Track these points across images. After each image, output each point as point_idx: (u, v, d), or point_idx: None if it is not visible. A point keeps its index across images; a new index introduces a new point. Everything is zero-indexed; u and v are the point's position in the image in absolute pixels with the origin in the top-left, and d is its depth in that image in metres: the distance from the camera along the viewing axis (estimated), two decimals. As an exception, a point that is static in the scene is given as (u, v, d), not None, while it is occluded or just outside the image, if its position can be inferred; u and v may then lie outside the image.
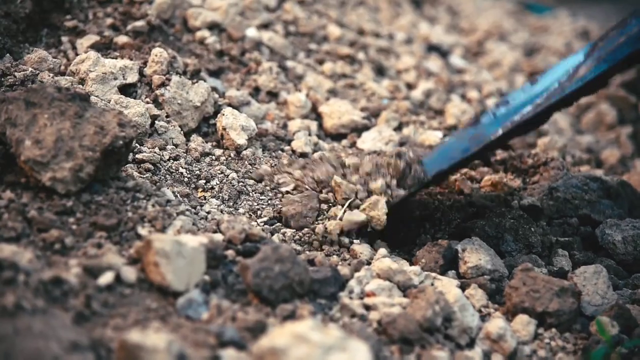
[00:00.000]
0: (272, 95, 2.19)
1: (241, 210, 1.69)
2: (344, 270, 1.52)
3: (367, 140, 2.12)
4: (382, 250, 1.60)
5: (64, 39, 2.03)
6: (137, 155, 1.68)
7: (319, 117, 2.19)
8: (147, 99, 1.87)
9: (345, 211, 1.70)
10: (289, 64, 2.33)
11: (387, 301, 1.45)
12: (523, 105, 1.83)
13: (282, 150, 1.99)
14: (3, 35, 1.91)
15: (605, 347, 1.45)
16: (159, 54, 1.94)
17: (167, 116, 1.87)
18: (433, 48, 3.05)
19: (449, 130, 2.37)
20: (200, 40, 2.22)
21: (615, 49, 1.74)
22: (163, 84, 1.91)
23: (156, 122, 1.83)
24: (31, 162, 1.41)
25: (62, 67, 1.89)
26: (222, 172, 1.79)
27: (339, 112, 2.18)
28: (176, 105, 1.89)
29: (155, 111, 1.84)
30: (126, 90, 1.88)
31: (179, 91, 1.90)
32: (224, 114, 1.91)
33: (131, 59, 1.96)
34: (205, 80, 2.04)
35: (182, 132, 1.87)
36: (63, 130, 1.44)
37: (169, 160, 1.75)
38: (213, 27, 2.28)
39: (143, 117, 1.78)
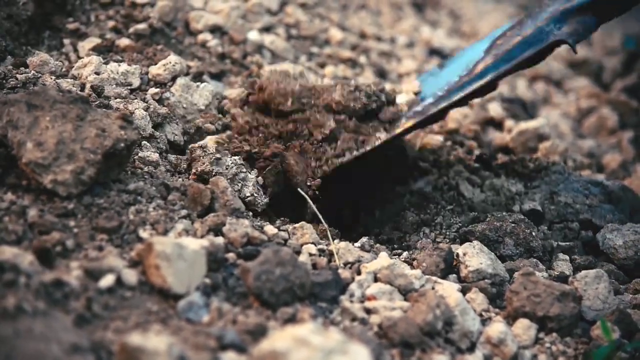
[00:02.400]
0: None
1: None
2: (344, 273, 1.52)
3: None
4: (383, 254, 1.60)
5: (66, 41, 2.03)
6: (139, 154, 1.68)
7: None
8: (151, 102, 1.88)
9: None
10: (291, 67, 2.33)
11: (387, 305, 1.44)
12: (428, 92, 1.91)
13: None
14: (5, 38, 1.91)
15: (608, 347, 1.45)
16: (172, 60, 1.96)
17: (172, 120, 1.87)
18: (435, 52, 3.05)
19: (450, 135, 2.37)
20: (202, 43, 2.22)
21: (511, 49, 1.79)
22: (167, 87, 1.92)
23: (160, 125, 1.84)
24: (32, 164, 1.41)
25: (64, 70, 1.89)
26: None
27: None
28: (181, 109, 1.89)
29: (159, 114, 1.84)
30: (129, 94, 1.88)
31: (184, 94, 1.91)
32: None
33: (134, 62, 1.96)
34: (208, 83, 2.05)
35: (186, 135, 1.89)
36: (65, 133, 1.44)
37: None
38: (215, 30, 2.28)
39: (144, 121, 1.78)
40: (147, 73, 1.94)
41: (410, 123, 1.85)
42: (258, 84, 1.94)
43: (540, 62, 1.89)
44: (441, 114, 1.93)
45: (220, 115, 1.97)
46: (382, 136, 1.86)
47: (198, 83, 1.96)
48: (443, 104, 1.83)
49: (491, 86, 1.90)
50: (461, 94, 1.82)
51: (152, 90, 1.90)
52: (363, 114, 1.90)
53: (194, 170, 1.72)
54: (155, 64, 1.97)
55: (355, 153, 1.83)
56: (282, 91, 1.90)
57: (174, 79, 1.95)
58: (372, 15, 3.14)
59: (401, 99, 1.96)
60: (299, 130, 1.86)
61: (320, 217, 1.73)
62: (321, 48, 2.54)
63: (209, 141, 1.84)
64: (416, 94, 2.01)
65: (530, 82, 3.17)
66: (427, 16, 3.64)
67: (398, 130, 1.86)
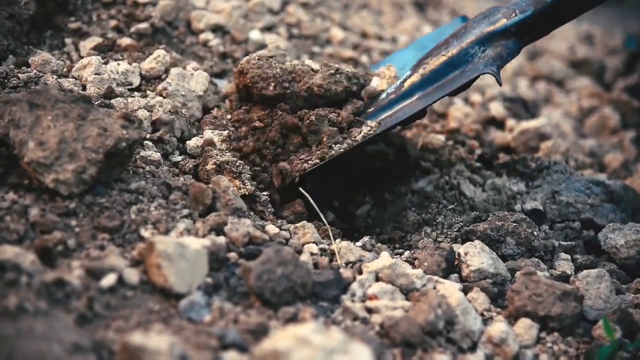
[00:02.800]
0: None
1: None
2: (346, 273, 1.52)
3: None
4: (385, 253, 1.60)
5: (68, 40, 2.03)
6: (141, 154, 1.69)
7: None
8: (151, 97, 1.88)
9: None
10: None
11: (389, 304, 1.45)
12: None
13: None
14: (7, 37, 1.91)
15: (610, 347, 1.45)
16: (161, 54, 1.96)
17: (174, 111, 1.88)
18: (436, 51, 3.05)
19: (452, 134, 2.37)
20: (204, 43, 2.23)
21: (436, 69, 1.84)
22: (162, 78, 1.93)
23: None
24: (34, 163, 1.41)
25: (66, 70, 1.89)
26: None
27: None
28: (180, 97, 1.90)
29: (160, 106, 1.85)
30: (129, 92, 1.88)
31: (180, 83, 1.91)
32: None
33: (135, 61, 1.96)
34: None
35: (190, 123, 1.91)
36: (66, 132, 1.44)
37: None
38: (217, 29, 2.28)
39: (146, 122, 1.78)
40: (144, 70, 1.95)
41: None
42: (238, 67, 1.94)
43: (464, 90, 1.93)
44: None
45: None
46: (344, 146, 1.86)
47: (192, 71, 1.97)
48: (372, 124, 1.86)
49: (421, 113, 1.91)
50: (389, 112, 1.87)
51: (151, 85, 1.91)
52: (344, 97, 1.92)
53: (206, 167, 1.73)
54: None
55: (342, 149, 1.84)
56: (263, 75, 1.90)
57: (167, 70, 1.95)
58: (374, 15, 3.14)
59: (375, 83, 1.97)
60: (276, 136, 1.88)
61: (322, 215, 1.73)
62: (323, 47, 2.54)
63: (216, 139, 1.85)
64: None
65: (532, 81, 3.17)
66: (428, 16, 3.63)
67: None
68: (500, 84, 1.77)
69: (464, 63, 1.83)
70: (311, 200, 1.76)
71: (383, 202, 2.04)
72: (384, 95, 1.92)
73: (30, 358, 1.06)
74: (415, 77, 1.87)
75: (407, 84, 1.88)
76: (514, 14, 1.80)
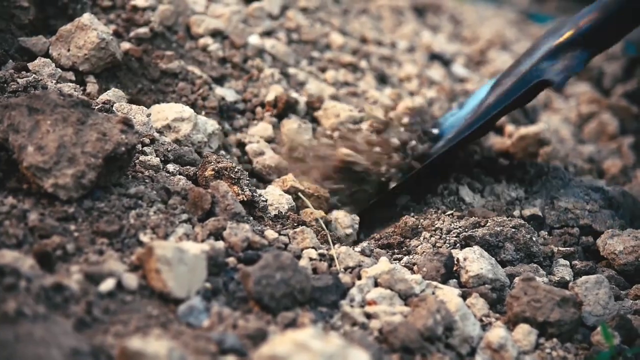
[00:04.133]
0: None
1: None
2: (345, 278, 1.52)
3: None
4: (384, 259, 1.60)
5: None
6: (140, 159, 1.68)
7: (315, 121, 2.20)
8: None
9: None
10: (291, 71, 2.33)
11: (388, 310, 1.44)
12: (448, 131, 2.03)
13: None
14: (7, 41, 1.91)
15: (608, 352, 1.45)
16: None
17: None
18: (435, 57, 3.06)
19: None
20: (203, 47, 2.23)
21: (509, 89, 1.85)
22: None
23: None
24: (33, 168, 1.41)
25: (65, 74, 1.89)
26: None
27: (335, 110, 2.19)
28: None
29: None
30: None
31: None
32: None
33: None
34: (210, 87, 2.06)
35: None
36: (65, 137, 1.44)
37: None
38: (216, 34, 2.28)
39: (146, 127, 1.78)
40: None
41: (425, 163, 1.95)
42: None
43: (530, 101, 2.02)
44: (451, 154, 2.00)
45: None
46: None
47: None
48: (449, 145, 1.92)
49: (490, 125, 1.98)
50: (464, 135, 1.92)
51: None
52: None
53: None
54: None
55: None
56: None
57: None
58: (373, 20, 3.15)
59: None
60: None
61: (323, 225, 1.75)
62: (322, 53, 2.54)
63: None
64: (433, 139, 2.07)
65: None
66: (427, 21, 3.64)
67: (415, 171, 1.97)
68: (559, 91, 1.81)
69: (536, 78, 1.85)
70: (308, 202, 1.78)
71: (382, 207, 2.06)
72: (462, 121, 1.97)
73: (29, 363, 1.06)
74: (491, 99, 1.91)
75: (483, 106, 1.92)
76: (580, 25, 1.82)
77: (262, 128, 2.09)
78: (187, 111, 1.86)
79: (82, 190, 1.44)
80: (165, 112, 1.86)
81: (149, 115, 1.81)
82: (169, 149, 1.78)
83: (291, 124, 2.08)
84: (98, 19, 2.10)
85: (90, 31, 1.88)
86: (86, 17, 1.90)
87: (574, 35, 1.82)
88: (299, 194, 1.86)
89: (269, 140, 2.07)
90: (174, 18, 2.21)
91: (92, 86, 1.88)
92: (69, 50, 1.88)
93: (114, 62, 1.95)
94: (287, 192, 1.86)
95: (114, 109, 1.76)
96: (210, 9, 2.36)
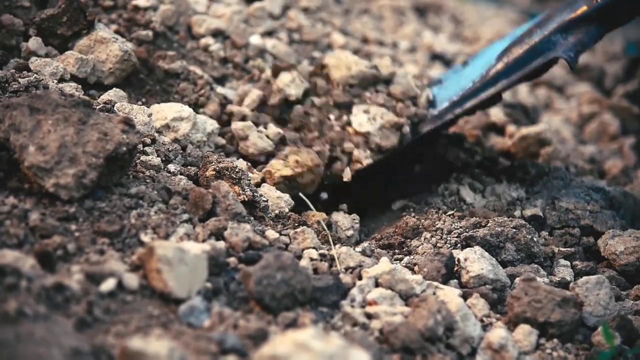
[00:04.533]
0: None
1: None
2: (345, 278, 1.52)
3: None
4: (384, 259, 1.60)
5: (69, 45, 2.03)
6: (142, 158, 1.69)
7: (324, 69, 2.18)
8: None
9: None
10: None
11: (388, 310, 1.44)
12: (451, 90, 2.00)
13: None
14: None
15: (609, 352, 1.45)
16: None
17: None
18: (437, 57, 3.05)
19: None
20: (205, 47, 2.23)
21: (519, 57, 1.85)
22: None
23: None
24: (35, 168, 1.41)
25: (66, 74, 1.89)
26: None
27: (347, 62, 2.13)
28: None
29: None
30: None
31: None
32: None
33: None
34: (212, 87, 2.07)
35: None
36: (67, 137, 1.44)
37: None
38: (217, 34, 2.28)
39: (147, 127, 1.78)
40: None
41: (428, 127, 1.94)
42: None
43: (543, 74, 1.98)
44: (455, 119, 2.00)
45: None
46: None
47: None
48: (458, 110, 1.90)
49: (497, 96, 1.96)
50: (474, 101, 1.89)
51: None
52: None
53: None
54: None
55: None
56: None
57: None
58: (374, 20, 3.15)
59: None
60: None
61: (324, 225, 1.75)
62: (323, 52, 2.54)
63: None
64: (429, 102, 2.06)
65: (532, 87, 3.17)
66: (429, 21, 3.64)
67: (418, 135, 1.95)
68: (573, 69, 1.81)
69: (547, 51, 1.85)
70: (309, 202, 1.78)
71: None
72: (470, 84, 1.94)
73: (30, 363, 1.06)
74: (500, 66, 1.90)
75: (491, 72, 1.91)
76: (595, 0, 1.82)
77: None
78: (186, 110, 1.86)
79: (83, 190, 1.44)
80: (165, 111, 1.86)
81: (150, 115, 1.81)
82: (170, 148, 1.78)
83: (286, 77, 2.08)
84: (98, 20, 2.10)
85: (110, 44, 1.88)
86: (102, 30, 1.90)
87: (588, 11, 1.83)
88: (300, 195, 1.86)
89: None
90: (175, 18, 2.21)
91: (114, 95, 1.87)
92: (93, 67, 1.87)
93: (134, 71, 1.96)
94: (277, 186, 1.86)
95: (115, 108, 1.76)
96: (211, 9, 2.36)
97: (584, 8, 1.84)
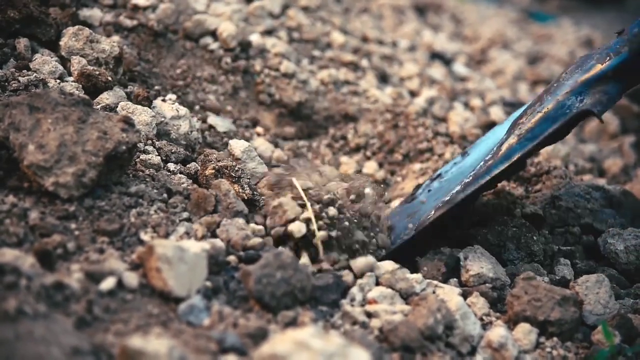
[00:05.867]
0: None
1: None
2: (346, 277, 1.52)
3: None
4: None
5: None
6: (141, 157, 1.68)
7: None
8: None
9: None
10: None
11: (388, 308, 1.44)
12: (454, 181, 1.86)
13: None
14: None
15: (608, 351, 1.45)
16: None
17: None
18: (436, 56, 3.06)
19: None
20: (204, 46, 2.23)
21: (533, 127, 1.73)
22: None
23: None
24: (34, 166, 1.41)
25: (66, 73, 1.89)
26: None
27: None
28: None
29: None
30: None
31: None
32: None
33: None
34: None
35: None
36: (66, 135, 1.44)
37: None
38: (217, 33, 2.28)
39: (148, 127, 1.78)
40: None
41: (439, 213, 1.75)
42: None
43: (566, 136, 1.85)
44: (470, 200, 1.81)
45: None
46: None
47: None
48: (471, 189, 1.73)
49: (520, 165, 1.85)
50: (488, 177, 1.73)
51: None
52: None
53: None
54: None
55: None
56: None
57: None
58: (374, 19, 3.15)
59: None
60: None
61: (315, 223, 1.68)
62: (323, 51, 2.54)
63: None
64: (414, 190, 1.99)
65: (532, 85, 3.17)
66: (429, 20, 3.64)
67: (428, 221, 1.77)
68: (601, 121, 1.70)
69: (562, 116, 1.72)
70: (303, 196, 1.73)
71: None
72: (481, 163, 1.80)
73: (29, 361, 1.06)
74: (512, 139, 1.75)
75: (504, 147, 1.76)
76: (608, 58, 1.72)
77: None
78: (182, 109, 1.86)
79: (83, 188, 1.44)
80: (163, 111, 1.86)
81: (151, 115, 1.81)
82: (170, 148, 1.78)
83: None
84: (99, 18, 2.10)
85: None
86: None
87: (602, 70, 1.71)
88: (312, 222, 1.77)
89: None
90: (174, 17, 2.21)
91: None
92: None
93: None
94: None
95: (118, 108, 1.76)
96: (211, 8, 2.36)
97: (598, 67, 1.72)
